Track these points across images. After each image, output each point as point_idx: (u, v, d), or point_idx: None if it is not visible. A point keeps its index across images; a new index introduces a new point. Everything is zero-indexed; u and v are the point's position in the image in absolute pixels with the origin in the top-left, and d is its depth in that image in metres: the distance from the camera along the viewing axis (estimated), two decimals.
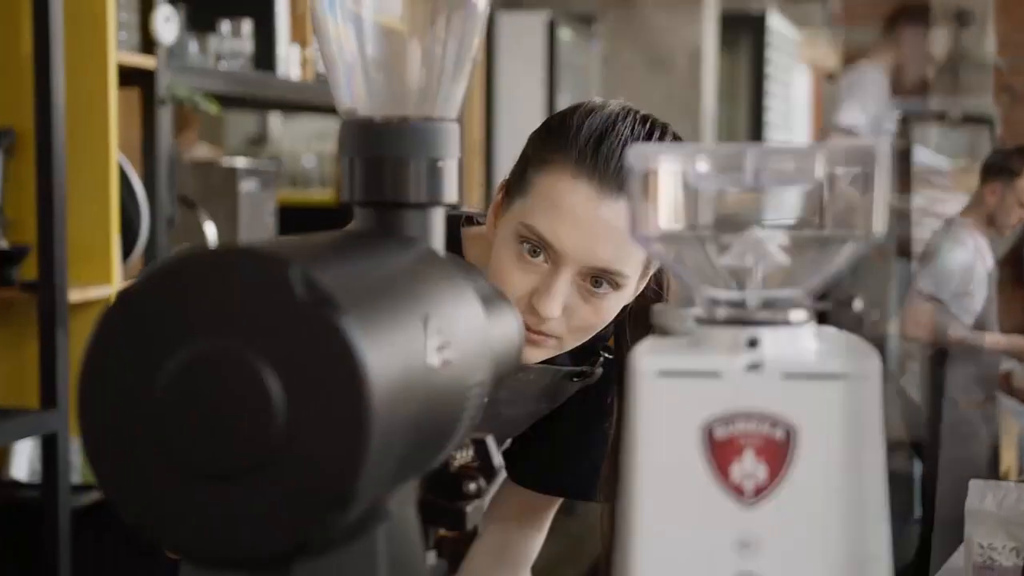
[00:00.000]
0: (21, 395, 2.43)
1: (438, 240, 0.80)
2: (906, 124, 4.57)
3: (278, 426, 0.60)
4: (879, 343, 4.48)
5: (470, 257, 1.36)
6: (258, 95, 3.24)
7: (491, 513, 1.49)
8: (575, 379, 1.42)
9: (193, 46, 2.95)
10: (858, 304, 3.77)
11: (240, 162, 3.17)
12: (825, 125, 4.54)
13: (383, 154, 0.78)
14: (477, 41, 0.82)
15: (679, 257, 0.72)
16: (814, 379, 0.67)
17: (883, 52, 4.54)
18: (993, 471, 4.31)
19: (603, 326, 1.30)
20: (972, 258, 4.33)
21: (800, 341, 0.70)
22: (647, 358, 0.69)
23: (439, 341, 0.69)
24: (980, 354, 4.29)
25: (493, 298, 0.85)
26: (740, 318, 0.70)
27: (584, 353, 1.40)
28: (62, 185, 2.36)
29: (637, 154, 0.70)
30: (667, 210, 0.71)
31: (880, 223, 0.68)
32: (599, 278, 1.25)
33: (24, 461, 2.62)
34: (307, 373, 0.60)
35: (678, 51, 5.58)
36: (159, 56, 2.67)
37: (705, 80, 5.69)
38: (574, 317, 1.27)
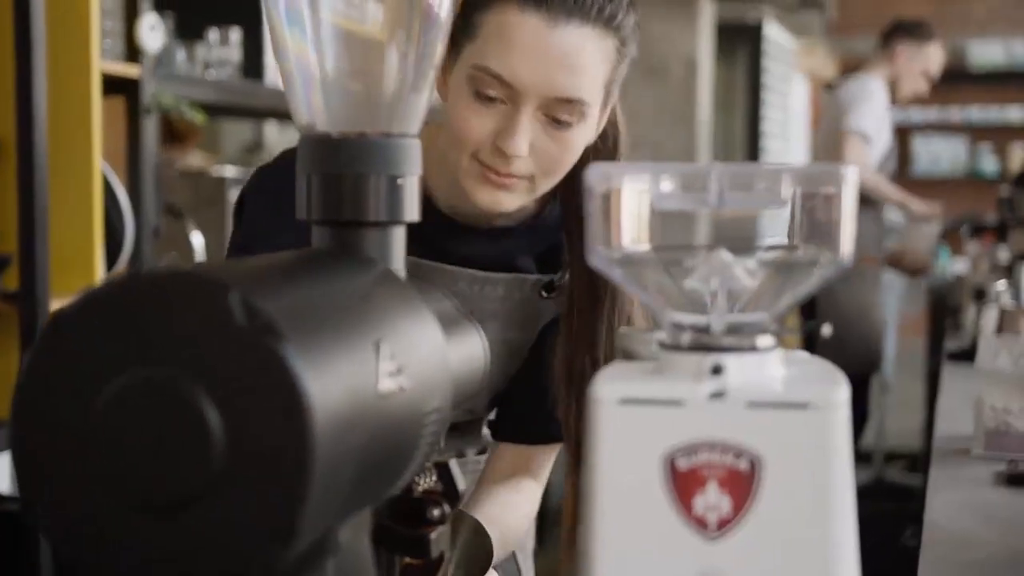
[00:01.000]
0: (4, 407, 2.40)
1: (398, 259, 0.78)
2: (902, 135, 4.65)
3: (216, 457, 0.57)
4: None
5: (436, 149, 1.31)
6: (246, 104, 3.21)
7: (484, 475, 1.46)
8: (544, 293, 1.39)
9: (181, 54, 2.93)
10: (826, 330, 3.77)
11: (230, 171, 3.15)
12: (827, 128, 4.54)
13: (341, 171, 0.76)
14: (439, 51, 0.79)
15: (641, 280, 0.70)
16: (780, 408, 0.65)
17: (880, 66, 4.56)
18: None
19: (571, 163, 1.28)
20: (884, 106, 4.47)
21: (767, 368, 0.67)
22: (608, 385, 0.66)
23: (392, 367, 0.66)
24: (879, 209, 4.44)
25: (455, 319, 0.83)
26: (705, 344, 0.68)
27: (550, 264, 1.39)
28: (44, 194, 2.33)
29: (597, 174, 0.68)
30: (629, 231, 0.69)
31: (848, 247, 0.66)
32: (561, 111, 1.23)
33: (5, 473, 2.59)
34: (247, 402, 0.57)
35: (674, 61, 5.56)
36: (144, 65, 2.65)
37: (701, 90, 5.67)
38: (542, 155, 1.24)
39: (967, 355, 2.79)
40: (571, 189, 1.31)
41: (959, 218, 9.91)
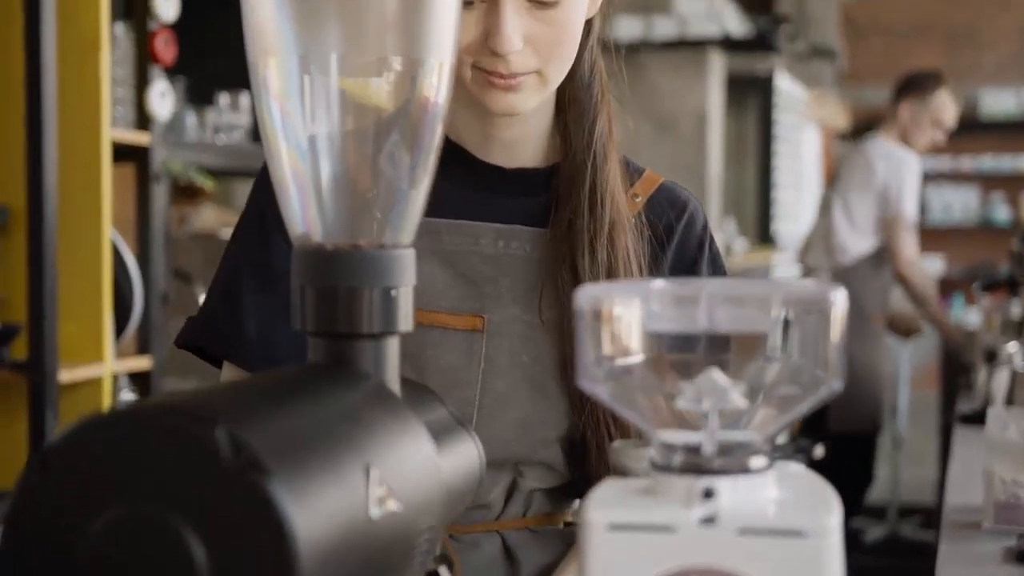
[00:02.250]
0: (12, 477, 2.40)
1: (392, 370, 0.78)
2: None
3: None
4: None
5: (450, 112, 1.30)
6: (256, 168, 3.22)
7: None
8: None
9: (191, 119, 2.95)
10: (819, 451, 3.77)
11: None
12: (881, 212, 4.51)
13: (335, 283, 0.76)
14: (432, 162, 0.80)
15: (631, 399, 0.69)
16: (772, 536, 0.64)
17: (892, 125, 4.58)
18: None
19: (576, 41, 1.20)
20: (918, 179, 4.49)
21: (759, 491, 0.67)
22: (598, 511, 0.66)
23: (383, 491, 0.66)
24: (885, 268, 4.45)
25: (448, 426, 0.82)
26: (696, 465, 0.67)
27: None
28: (53, 264, 2.34)
29: (586, 294, 0.68)
30: (619, 351, 0.68)
31: (838, 374, 0.66)
32: None
33: None
34: (233, 539, 0.57)
35: (684, 115, 5.57)
36: (154, 132, 2.67)
37: (711, 143, 5.68)
38: (539, 43, 1.17)
39: (979, 418, 2.77)
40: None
41: (971, 269, 9.91)
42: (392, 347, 0.78)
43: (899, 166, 4.47)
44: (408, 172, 0.78)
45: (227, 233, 3.29)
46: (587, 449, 1.24)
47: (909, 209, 4.39)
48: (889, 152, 4.52)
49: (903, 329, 4.87)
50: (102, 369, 2.48)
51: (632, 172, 1.32)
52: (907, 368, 5.91)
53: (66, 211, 2.42)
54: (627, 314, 0.68)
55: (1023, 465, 1.84)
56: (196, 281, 2.96)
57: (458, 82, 1.21)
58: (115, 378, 2.66)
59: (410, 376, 1.20)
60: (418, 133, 0.78)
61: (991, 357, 3.29)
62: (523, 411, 1.23)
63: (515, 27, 1.15)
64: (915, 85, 4.55)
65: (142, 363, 2.67)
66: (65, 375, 2.38)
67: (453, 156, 1.28)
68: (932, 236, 10.26)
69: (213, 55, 2.51)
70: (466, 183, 1.28)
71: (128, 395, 2.90)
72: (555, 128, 1.30)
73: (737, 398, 0.68)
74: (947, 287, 10.01)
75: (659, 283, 0.70)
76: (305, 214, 0.78)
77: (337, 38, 0.76)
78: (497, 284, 1.25)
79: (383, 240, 0.78)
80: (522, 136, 1.28)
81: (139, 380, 2.72)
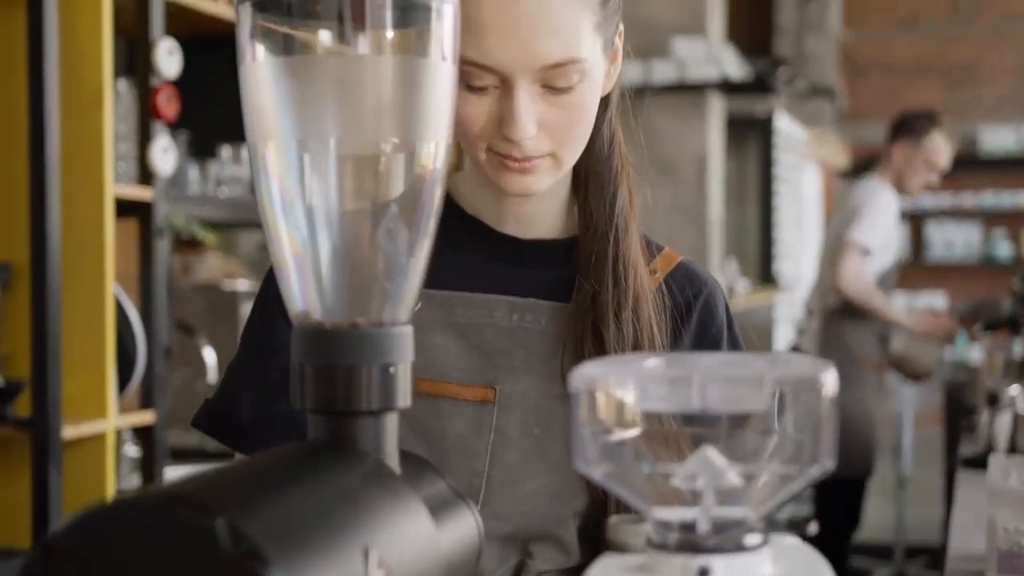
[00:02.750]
0: (14, 535, 2.40)
1: (391, 446, 0.78)
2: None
3: None
4: None
5: (466, 184, 1.29)
6: (257, 220, 3.25)
7: None
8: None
9: (194, 172, 2.97)
10: (813, 527, 3.75)
11: (243, 285, 3.18)
12: (834, 228, 4.56)
13: (334, 362, 0.77)
14: (428, 240, 0.81)
15: (626, 477, 0.70)
16: None
17: (885, 166, 4.60)
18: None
19: (591, 122, 1.19)
20: (893, 218, 4.46)
21: (754, 568, 0.67)
22: None
23: (381, 573, 0.67)
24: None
25: (447, 500, 0.83)
26: (691, 544, 0.68)
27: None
28: (56, 321, 2.35)
29: (581, 376, 0.69)
30: (613, 430, 0.69)
31: (829, 454, 0.67)
32: (556, 78, 1.14)
33: None
34: None
35: (684, 159, 5.60)
36: (156, 187, 2.69)
37: (712, 186, 5.71)
38: (553, 128, 1.16)
39: (982, 461, 2.77)
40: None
41: (974, 305, 9.91)
42: (391, 423, 0.78)
43: (868, 195, 4.48)
44: (406, 250, 0.80)
45: (230, 284, 3.31)
46: (599, 529, 1.22)
47: (860, 235, 4.34)
48: (870, 188, 4.54)
49: (911, 372, 4.85)
50: (105, 425, 2.49)
51: (652, 248, 1.31)
52: (910, 407, 5.90)
53: (69, 267, 2.43)
54: (621, 394, 0.69)
55: None
56: (199, 333, 2.98)
57: (475, 163, 1.22)
58: (118, 433, 2.66)
59: (419, 446, 1.22)
60: (415, 212, 0.79)
61: (993, 400, 3.29)
62: (533, 484, 1.22)
63: (529, 113, 1.14)
64: (908, 126, 4.55)
65: (145, 417, 2.68)
66: (68, 431, 2.38)
67: (469, 228, 1.28)
68: (934, 273, 10.29)
69: (215, 108, 2.53)
70: (482, 254, 1.28)
71: (132, 449, 2.91)
72: (572, 200, 1.29)
73: (732, 476, 0.69)
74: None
75: (652, 362, 0.71)
76: (304, 293, 0.79)
77: (335, 122, 0.77)
78: (511, 356, 1.24)
79: (382, 318, 0.79)
80: (538, 210, 1.28)
81: (142, 434, 2.73)
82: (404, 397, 0.78)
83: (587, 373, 0.69)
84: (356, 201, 0.79)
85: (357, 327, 0.78)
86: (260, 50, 0.77)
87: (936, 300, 10.13)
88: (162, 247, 2.67)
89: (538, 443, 1.22)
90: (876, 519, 6.64)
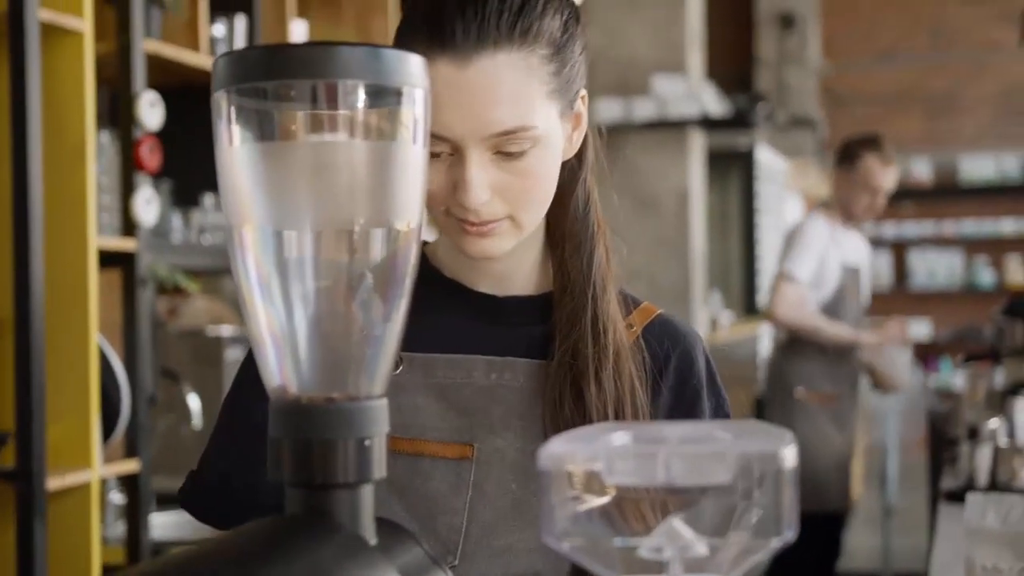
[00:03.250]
0: None
1: (367, 517, 0.80)
2: None
3: None
4: None
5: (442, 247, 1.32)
6: None
7: None
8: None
9: (177, 220, 2.99)
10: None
11: (227, 330, 3.19)
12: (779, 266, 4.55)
13: (310, 436, 0.79)
14: (401, 317, 0.83)
15: (596, 551, 0.72)
16: None
17: (831, 194, 4.63)
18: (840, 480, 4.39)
19: (549, 186, 1.20)
20: (826, 246, 4.38)
21: None
22: None
23: None
24: (826, 347, 4.34)
25: (423, 568, 0.85)
26: None
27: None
28: (41, 373, 2.36)
29: (549, 454, 0.71)
30: (580, 504, 0.71)
31: (792, 524, 0.69)
32: (507, 144, 1.15)
33: None
34: None
35: (665, 193, 5.64)
36: (140, 238, 2.70)
37: (694, 220, 5.74)
38: (507, 193, 1.17)
39: (963, 495, 2.79)
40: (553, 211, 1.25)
41: (957, 332, 9.96)
42: (367, 494, 0.80)
43: (801, 226, 4.46)
44: (380, 326, 0.82)
45: (215, 329, 3.32)
46: None
47: (788, 264, 4.33)
48: (806, 219, 4.54)
49: (880, 384, 4.80)
50: (90, 475, 2.49)
51: (629, 303, 1.32)
52: (896, 436, 5.93)
53: (53, 318, 2.45)
54: (588, 469, 0.71)
55: (1003, 552, 1.86)
56: (184, 380, 2.99)
57: (438, 227, 1.25)
58: (103, 482, 2.67)
59: (399, 504, 1.24)
60: (388, 287, 0.82)
61: (973, 433, 3.31)
62: (510, 539, 1.23)
63: (481, 181, 1.16)
64: (844, 153, 4.52)
65: (130, 466, 2.69)
66: (53, 482, 2.39)
67: (448, 290, 1.30)
68: (917, 301, 10.35)
69: (197, 158, 2.56)
70: (461, 314, 1.29)
71: (117, 497, 2.92)
72: (547, 256, 1.31)
73: (698, 546, 0.71)
74: (933, 351, 10.08)
75: (619, 436, 0.73)
76: (281, 368, 0.81)
77: (310, 205, 0.79)
78: (489, 414, 1.25)
79: (357, 392, 0.81)
80: (513, 267, 1.30)
81: (127, 481, 2.74)
82: (380, 469, 0.80)
83: (555, 450, 0.71)
84: (331, 279, 0.81)
85: (333, 402, 0.80)
86: (237, 135, 0.80)
87: (920, 328, 10.19)
88: (145, 297, 2.69)
89: (515, 500, 1.24)
90: (862, 548, 6.66)
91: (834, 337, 4.41)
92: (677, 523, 0.71)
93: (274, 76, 0.79)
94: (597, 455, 0.71)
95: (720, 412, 1.33)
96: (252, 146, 0.80)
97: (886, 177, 4.45)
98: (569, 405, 1.24)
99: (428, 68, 1.14)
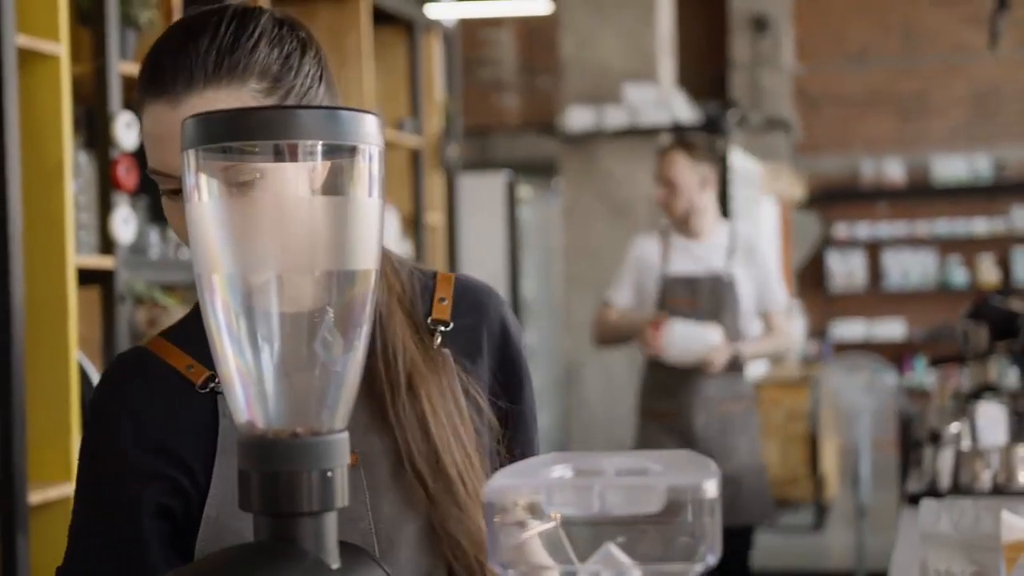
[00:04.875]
0: None
1: (330, 542, 0.87)
2: None
3: None
4: None
5: None
6: None
7: None
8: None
9: (154, 236, 3.04)
10: None
11: None
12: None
13: (276, 469, 0.85)
14: (360, 355, 0.89)
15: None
16: None
17: None
18: None
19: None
20: (635, 264, 4.15)
21: None
22: None
23: None
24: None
25: None
26: None
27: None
28: (21, 389, 2.42)
29: (495, 488, 0.77)
30: (523, 534, 0.78)
31: (714, 549, 0.75)
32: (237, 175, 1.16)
33: None
34: None
35: (639, 199, 5.71)
36: (118, 256, 2.76)
37: None
38: None
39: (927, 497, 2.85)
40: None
41: (932, 332, 10.07)
42: (330, 522, 0.87)
43: (629, 252, 4.23)
44: (340, 363, 0.88)
45: None
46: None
47: (610, 292, 4.18)
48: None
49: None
50: (71, 488, 2.54)
51: (428, 279, 1.37)
52: (868, 436, 6.01)
53: (33, 335, 2.50)
54: (530, 501, 0.78)
55: (956, 555, 1.93)
56: None
57: None
58: None
59: None
60: (348, 329, 0.88)
61: (935, 437, 3.38)
62: (418, 523, 1.29)
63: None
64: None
65: None
66: (35, 496, 2.44)
67: None
68: (891, 300, 10.45)
69: None
70: None
71: None
72: None
73: (634, 571, 0.78)
74: (908, 350, 10.19)
75: (558, 470, 0.80)
76: (248, 405, 0.87)
77: (273, 255, 0.86)
78: (356, 421, 1.25)
79: (320, 426, 0.87)
80: None
81: None
82: (342, 497, 0.87)
83: (499, 484, 0.78)
84: (294, 321, 0.88)
85: (297, 436, 0.86)
86: (205, 190, 0.86)
87: (894, 327, 10.30)
88: (123, 314, 2.75)
89: (406, 489, 1.29)
90: (836, 547, 6.74)
91: (628, 326, 4.14)
92: (613, 549, 0.78)
93: (238, 137, 0.85)
94: (538, 488, 0.78)
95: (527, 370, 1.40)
96: (219, 200, 0.86)
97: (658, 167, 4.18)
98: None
99: (150, 107, 1.21)
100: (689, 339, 4.00)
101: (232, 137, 0.85)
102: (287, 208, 0.88)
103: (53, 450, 2.52)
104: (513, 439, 1.36)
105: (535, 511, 0.78)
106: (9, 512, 2.37)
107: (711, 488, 0.75)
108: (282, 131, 0.84)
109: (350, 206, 0.87)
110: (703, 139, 4.29)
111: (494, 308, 1.39)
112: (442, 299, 1.36)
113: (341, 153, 0.86)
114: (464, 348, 1.35)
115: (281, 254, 0.86)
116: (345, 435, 0.88)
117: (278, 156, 0.86)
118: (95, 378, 2.64)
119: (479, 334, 1.36)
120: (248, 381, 0.87)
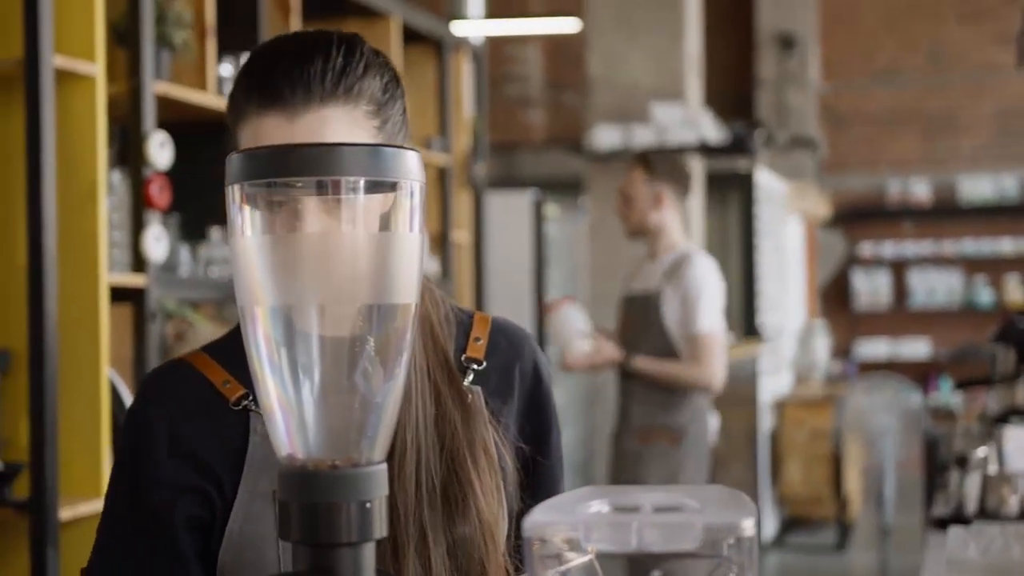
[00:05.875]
0: None
1: (368, 572, 0.88)
2: None
3: None
4: None
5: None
6: None
7: None
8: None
9: (185, 254, 3.07)
10: None
11: None
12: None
13: (316, 500, 0.87)
14: (399, 386, 0.90)
15: None
16: None
17: None
18: None
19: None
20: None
21: None
22: None
23: None
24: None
25: None
26: None
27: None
28: (54, 406, 2.44)
29: (534, 523, 0.78)
30: (562, 570, 0.79)
31: None
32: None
33: None
34: None
35: None
36: (149, 274, 2.78)
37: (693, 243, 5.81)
38: None
39: (950, 523, 2.84)
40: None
41: (957, 351, 10.02)
42: (368, 552, 0.88)
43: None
44: (380, 396, 0.89)
45: None
46: None
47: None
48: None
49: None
50: (101, 505, 2.56)
51: (466, 318, 1.38)
52: (892, 456, 5.99)
53: (66, 353, 2.52)
54: (568, 537, 0.79)
55: None
56: None
57: None
58: None
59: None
60: (388, 361, 0.89)
61: (962, 461, 3.36)
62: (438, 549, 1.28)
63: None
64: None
65: None
66: (66, 512, 2.46)
67: None
68: (917, 319, 10.41)
69: (205, 193, 2.64)
70: None
71: None
72: None
73: None
74: (933, 370, 10.15)
75: (596, 506, 0.81)
76: (289, 437, 0.89)
77: (315, 290, 0.87)
78: None
79: (359, 458, 0.88)
80: None
81: None
82: (380, 528, 0.88)
83: (537, 519, 0.79)
84: (335, 354, 0.89)
85: (337, 468, 0.87)
86: (248, 225, 0.88)
87: (919, 347, 10.26)
88: (154, 331, 2.77)
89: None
90: (860, 567, 6.72)
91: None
92: None
93: (283, 173, 0.87)
94: (576, 524, 0.79)
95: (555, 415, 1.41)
96: (262, 235, 0.88)
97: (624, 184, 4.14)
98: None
99: (260, 118, 1.23)
100: (564, 324, 4.04)
101: (277, 173, 0.87)
102: (330, 243, 0.89)
103: (84, 466, 2.54)
104: (539, 491, 1.35)
105: (573, 546, 0.79)
106: (40, 528, 2.39)
107: (748, 527, 0.76)
108: (326, 167, 0.86)
109: (392, 241, 0.88)
110: (669, 161, 4.21)
111: (528, 351, 1.40)
112: (477, 339, 1.37)
113: (383, 188, 0.88)
114: (496, 388, 1.36)
115: (323, 288, 0.88)
116: (383, 466, 0.89)
117: (321, 192, 0.87)
118: (125, 396, 2.67)
119: (511, 375, 1.38)
120: (289, 412, 0.88)
